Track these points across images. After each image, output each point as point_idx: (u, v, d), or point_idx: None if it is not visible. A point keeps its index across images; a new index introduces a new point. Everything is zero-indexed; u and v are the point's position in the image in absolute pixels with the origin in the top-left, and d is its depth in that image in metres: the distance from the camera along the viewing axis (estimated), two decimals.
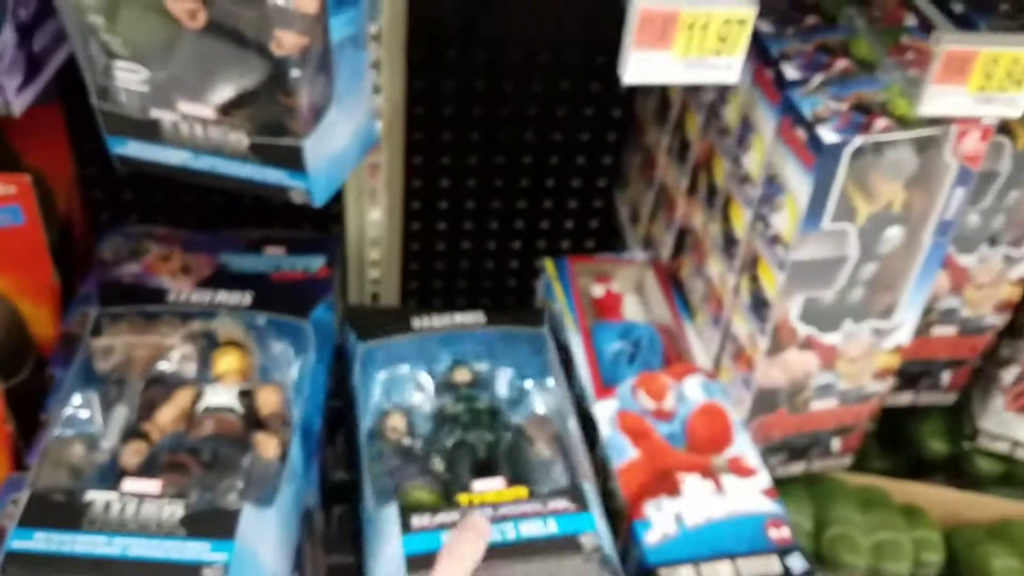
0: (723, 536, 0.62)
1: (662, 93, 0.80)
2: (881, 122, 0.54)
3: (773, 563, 0.61)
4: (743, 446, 0.67)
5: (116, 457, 0.59)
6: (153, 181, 0.90)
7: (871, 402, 0.70)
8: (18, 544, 0.52)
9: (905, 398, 0.77)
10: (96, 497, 0.54)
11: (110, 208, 0.92)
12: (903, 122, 0.55)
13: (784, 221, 0.58)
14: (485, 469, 0.64)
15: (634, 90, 0.86)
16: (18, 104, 0.61)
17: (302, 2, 0.49)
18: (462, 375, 0.71)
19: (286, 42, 0.51)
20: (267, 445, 0.60)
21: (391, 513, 0.58)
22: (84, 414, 0.62)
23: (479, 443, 0.66)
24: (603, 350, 0.75)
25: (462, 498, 0.60)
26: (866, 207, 0.57)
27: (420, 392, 0.72)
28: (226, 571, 0.51)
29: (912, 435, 0.82)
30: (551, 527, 0.58)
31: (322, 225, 0.92)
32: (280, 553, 0.57)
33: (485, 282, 1.04)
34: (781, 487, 0.66)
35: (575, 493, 0.60)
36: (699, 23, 0.44)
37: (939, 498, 0.78)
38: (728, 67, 0.47)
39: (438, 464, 0.65)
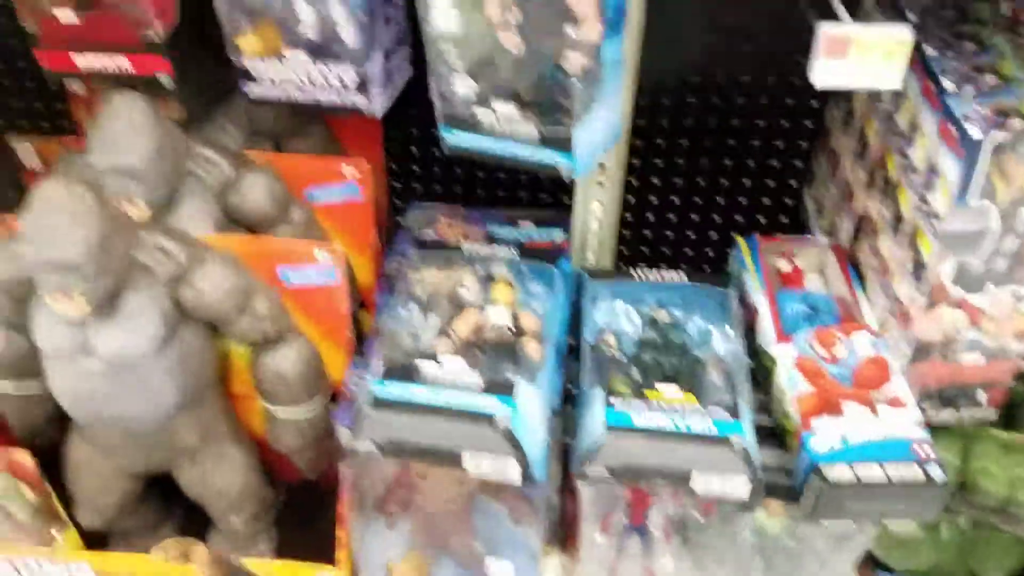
0: (876, 449, 0.79)
1: (848, 105, 0.98)
2: (1016, 123, 0.70)
3: (916, 470, 0.77)
4: (900, 386, 0.83)
5: (432, 348, 0.85)
6: (437, 173, 1.19)
7: (1014, 360, 0.84)
8: (379, 389, 0.79)
9: None
10: (425, 364, 0.80)
11: (405, 192, 1.22)
12: None
13: (940, 200, 0.76)
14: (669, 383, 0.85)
15: (824, 103, 1.05)
16: (379, 108, 0.90)
17: (588, 33, 0.73)
18: (662, 315, 0.93)
19: (573, 61, 0.75)
20: (532, 347, 0.85)
21: (599, 393, 0.81)
22: (408, 319, 0.89)
23: (667, 364, 0.87)
24: (785, 309, 0.94)
25: (648, 394, 0.82)
26: (1005, 190, 0.73)
27: (629, 322, 0.94)
28: (511, 417, 0.75)
29: None
30: (710, 427, 0.78)
31: (557, 207, 1.17)
32: (541, 417, 0.81)
33: (684, 267, 1.25)
34: (933, 432, 0.81)
35: (733, 408, 0.80)
36: (869, 43, 0.63)
37: None
38: (891, 76, 0.66)
39: (635, 373, 0.87)
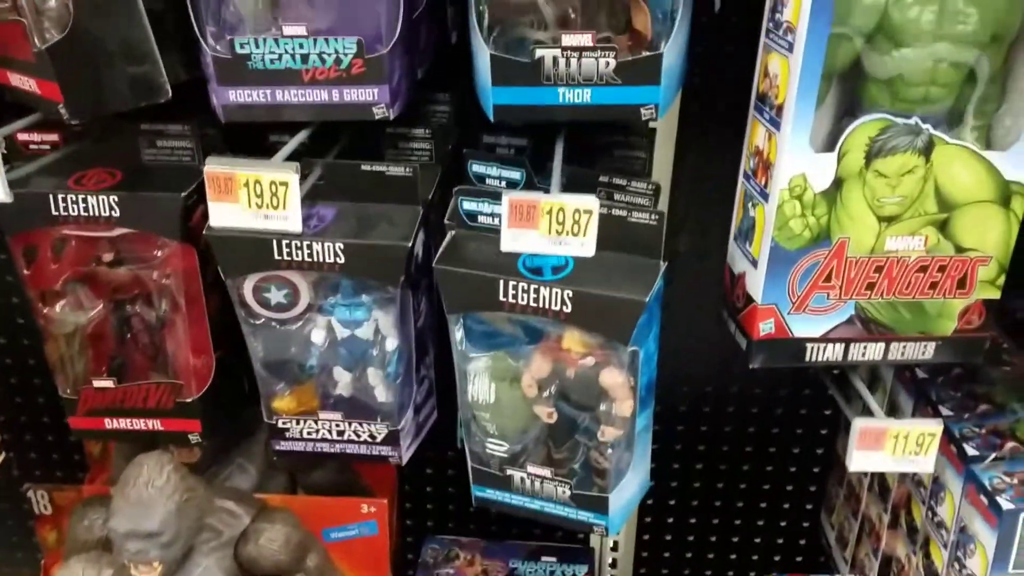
0: None
1: None
2: None
3: None
4: None
5: None
6: (451, 495, 1.18)
7: None
8: None
9: None
10: None
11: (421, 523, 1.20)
12: None
13: (977, 565, 0.75)
14: None
15: (835, 431, 1.08)
16: (406, 457, 0.90)
17: (622, 409, 0.76)
18: None
19: (608, 433, 0.77)
20: None
21: None
22: None
23: None
24: None
25: None
26: None
27: None
28: None
29: None
30: None
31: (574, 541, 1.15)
32: None
33: None
34: None
35: None
36: (903, 436, 0.66)
37: None
38: (924, 462, 0.68)
39: None
